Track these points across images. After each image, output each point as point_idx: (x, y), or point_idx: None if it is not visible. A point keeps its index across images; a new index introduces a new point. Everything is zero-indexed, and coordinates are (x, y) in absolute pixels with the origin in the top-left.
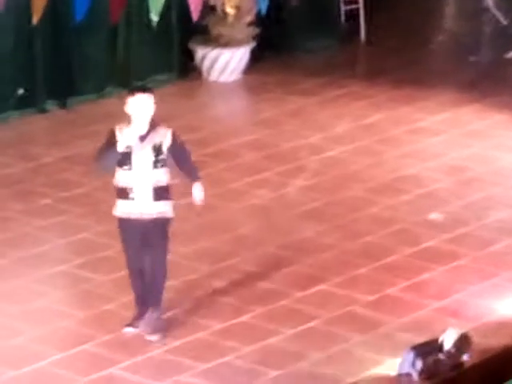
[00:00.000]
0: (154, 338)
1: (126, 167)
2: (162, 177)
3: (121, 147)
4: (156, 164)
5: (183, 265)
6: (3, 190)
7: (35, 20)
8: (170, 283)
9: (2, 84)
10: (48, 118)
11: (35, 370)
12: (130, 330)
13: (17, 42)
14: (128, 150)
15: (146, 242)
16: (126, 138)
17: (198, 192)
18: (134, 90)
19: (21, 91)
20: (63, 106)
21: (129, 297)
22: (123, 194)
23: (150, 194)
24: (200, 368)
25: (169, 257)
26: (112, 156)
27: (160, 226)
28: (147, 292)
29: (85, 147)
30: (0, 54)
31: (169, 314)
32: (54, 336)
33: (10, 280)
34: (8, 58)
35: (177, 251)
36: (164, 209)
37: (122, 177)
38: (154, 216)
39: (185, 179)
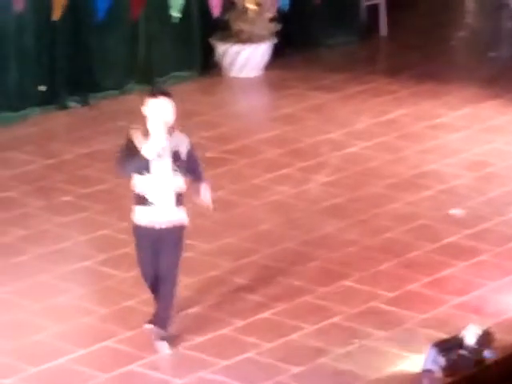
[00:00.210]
0: (162, 344)
1: (145, 173)
2: (181, 183)
3: (149, 155)
4: (175, 170)
5: (205, 261)
6: (24, 186)
7: (55, 16)
8: (191, 280)
9: (24, 81)
10: (69, 115)
11: (56, 367)
12: (150, 326)
13: (38, 39)
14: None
15: (159, 249)
16: (150, 149)
17: (207, 193)
18: (156, 93)
19: (42, 88)
20: (84, 102)
21: (150, 293)
22: (143, 200)
23: (173, 200)
24: (221, 364)
25: (190, 254)
26: (138, 164)
27: (178, 232)
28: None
29: (106, 144)
30: (21, 51)
31: (191, 310)
32: (75, 332)
33: (31, 276)
34: (29, 55)
35: (198, 248)
36: (184, 215)
37: (141, 183)
38: (175, 223)
39: (192, 183)
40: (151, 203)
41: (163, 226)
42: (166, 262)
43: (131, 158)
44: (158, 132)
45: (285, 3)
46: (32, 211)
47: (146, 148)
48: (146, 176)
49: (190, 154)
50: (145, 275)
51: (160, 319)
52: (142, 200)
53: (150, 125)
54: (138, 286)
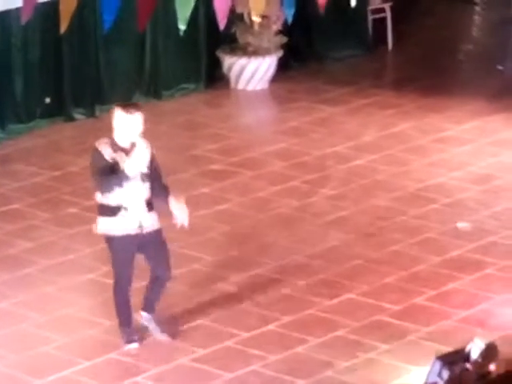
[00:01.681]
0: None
1: (124, 185)
2: (148, 190)
3: (132, 172)
4: (143, 178)
5: (210, 273)
6: (31, 198)
7: (63, 29)
8: (196, 292)
9: (30, 93)
10: (76, 127)
11: (61, 379)
12: (146, 314)
13: (44, 51)
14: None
15: (148, 255)
16: (130, 167)
17: (179, 207)
18: (130, 109)
19: (48, 100)
20: (91, 114)
21: (158, 305)
22: (115, 211)
23: (144, 207)
24: (226, 377)
25: (196, 265)
26: (121, 181)
27: (159, 235)
28: (152, 299)
29: None
30: (28, 62)
31: (195, 322)
32: (80, 344)
33: (36, 288)
34: (36, 67)
35: (204, 260)
36: (156, 219)
37: (119, 195)
38: (154, 227)
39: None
40: (124, 214)
41: (144, 231)
42: (163, 263)
43: (114, 177)
44: (138, 149)
45: (290, 16)
46: (38, 223)
47: (128, 166)
48: (124, 187)
49: (154, 160)
50: (128, 283)
51: (152, 306)
52: (115, 211)
53: (120, 138)
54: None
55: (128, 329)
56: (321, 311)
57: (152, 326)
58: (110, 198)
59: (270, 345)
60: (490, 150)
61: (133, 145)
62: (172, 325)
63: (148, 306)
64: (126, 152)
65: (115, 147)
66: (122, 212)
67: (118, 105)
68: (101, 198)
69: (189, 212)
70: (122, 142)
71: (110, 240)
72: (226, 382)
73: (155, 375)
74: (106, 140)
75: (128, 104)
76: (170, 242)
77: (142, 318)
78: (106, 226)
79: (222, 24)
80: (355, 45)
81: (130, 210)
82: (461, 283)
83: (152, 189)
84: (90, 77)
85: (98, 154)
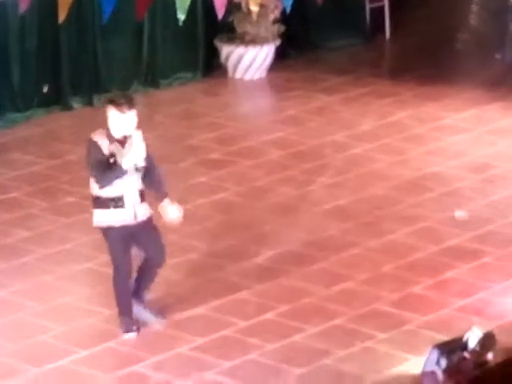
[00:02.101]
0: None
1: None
2: (141, 181)
3: (129, 166)
4: (138, 170)
5: (208, 262)
6: (28, 187)
7: (61, 18)
8: (194, 281)
9: (28, 82)
10: (74, 116)
11: (59, 368)
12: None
13: (42, 40)
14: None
15: (141, 242)
16: (127, 161)
17: (170, 209)
18: (123, 107)
19: (45, 89)
20: (89, 103)
21: (154, 294)
22: (111, 203)
23: (138, 197)
24: (224, 366)
25: (194, 255)
26: (120, 174)
27: (150, 221)
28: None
29: None
30: (26, 51)
31: (193, 311)
32: (78, 333)
33: (34, 277)
34: (34, 56)
35: (201, 249)
36: (148, 208)
37: (117, 187)
38: (147, 216)
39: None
40: (121, 205)
41: (139, 220)
42: (157, 247)
43: (112, 171)
44: (135, 144)
45: (288, 5)
46: (36, 212)
47: (125, 160)
48: (122, 179)
49: (148, 150)
50: (128, 273)
51: (141, 295)
52: (113, 203)
53: (116, 132)
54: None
55: (128, 318)
56: (318, 300)
57: (144, 316)
58: (107, 191)
59: (267, 333)
60: (488, 139)
61: (128, 137)
62: (169, 314)
63: (137, 297)
64: (122, 144)
65: (111, 138)
66: (119, 204)
67: (110, 102)
68: (98, 190)
69: (187, 201)
70: (118, 134)
71: (107, 232)
72: (224, 370)
73: (153, 364)
74: (102, 131)
75: (121, 101)
76: (167, 231)
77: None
78: (103, 218)
79: (220, 13)
80: (353, 34)
81: (126, 202)
82: (458, 272)
83: (149, 181)
84: (87, 66)
85: (94, 146)
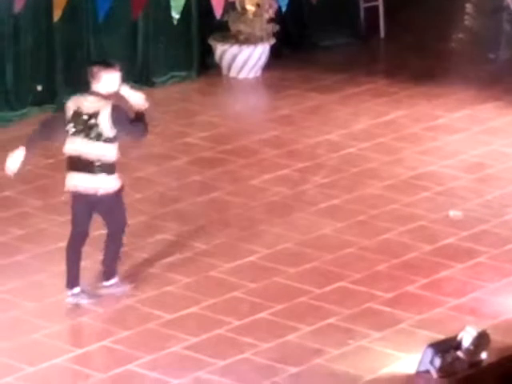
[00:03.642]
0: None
1: None
2: None
3: None
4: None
5: (202, 262)
6: (23, 186)
7: (56, 18)
8: (188, 280)
9: (22, 80)
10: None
11: (53, 366)
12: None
13: (36, 39)
14: None
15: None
16: None
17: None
18: (110, 66)
19: (39, 88)
20: None
21: (151, 292)
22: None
23: None
24: (218, 364)
25: (188, 254)
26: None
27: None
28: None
29: None
30: (20, 50)
31: (187, 310)
32: (73, 332)
33: (28, 276)
34: (28, 55)
35: (196, 248)
36: None
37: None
38: None
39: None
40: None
41: None
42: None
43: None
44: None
45: (284, 4)
46: (30, 211)
47: None
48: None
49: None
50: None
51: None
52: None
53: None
54: (137, 286)
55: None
56: (312, 299)
57: (117, 290)
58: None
59: (261, 333)
60: (482, 139)
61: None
62: (163, 313)
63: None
64: None
65: None
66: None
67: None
68: (115, 155)
69: (181, 199)
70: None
71: (120, 193)
72: (218, 369)
73: (147, 363)
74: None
75: (109, 62)
76: (160, 230)
77: (108, 288)
78: (118, 181)
79: (218, 13)
80: (348, 33)
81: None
82: (452, 271)
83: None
84: (82, 65)
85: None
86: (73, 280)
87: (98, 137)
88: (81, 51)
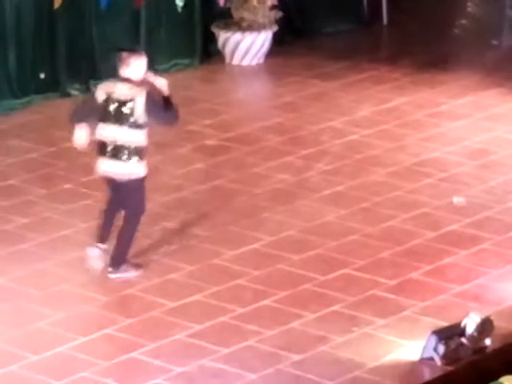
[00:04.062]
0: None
1: None
2: None
3: None
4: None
5: (206, 249)
6: (26, 174)
7: (56, 4)
8: (192, 267)
9: (25, 68)
10: (71, 102)
11: (57, 354)
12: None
13: (39, 26)
14: None
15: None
16: None
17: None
18: (138, 52)
19: (42, 75)
20: (86, 90)
21: (154, 280)
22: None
23: None
24: (222, 352)
25: (192, 242)
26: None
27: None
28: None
29: None
30: (22, 38)
31: (191, 298)
32: (76, 320)
33: (31, 264)
34: (30, 42)
35: (200, 236)
36: None
37: None
38: None
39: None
40: None
41: None
42: None
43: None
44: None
45: None
46: (33, 199)
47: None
48: None
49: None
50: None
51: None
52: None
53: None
54: (140, 274)
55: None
56: (316, 286)
57: (124, 276)
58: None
59: (265, 320)
60: (485, 125)
61: None
62: (167, 300)
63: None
64: None
65: None
66: None
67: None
68: (145, 140)
69: (184, 187)
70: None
71: (144, 179)
72: (222, 357)
73: (151, 351)
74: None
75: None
76: (164, 218)
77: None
78: (145, 169)
79: (221, 0)
80: (350, 19)
81: None
82: (456, 258)
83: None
84: (85, 52)
85: (153, 90)
86: (102, 236)
87: (130, 123)
88: (83, 39)
